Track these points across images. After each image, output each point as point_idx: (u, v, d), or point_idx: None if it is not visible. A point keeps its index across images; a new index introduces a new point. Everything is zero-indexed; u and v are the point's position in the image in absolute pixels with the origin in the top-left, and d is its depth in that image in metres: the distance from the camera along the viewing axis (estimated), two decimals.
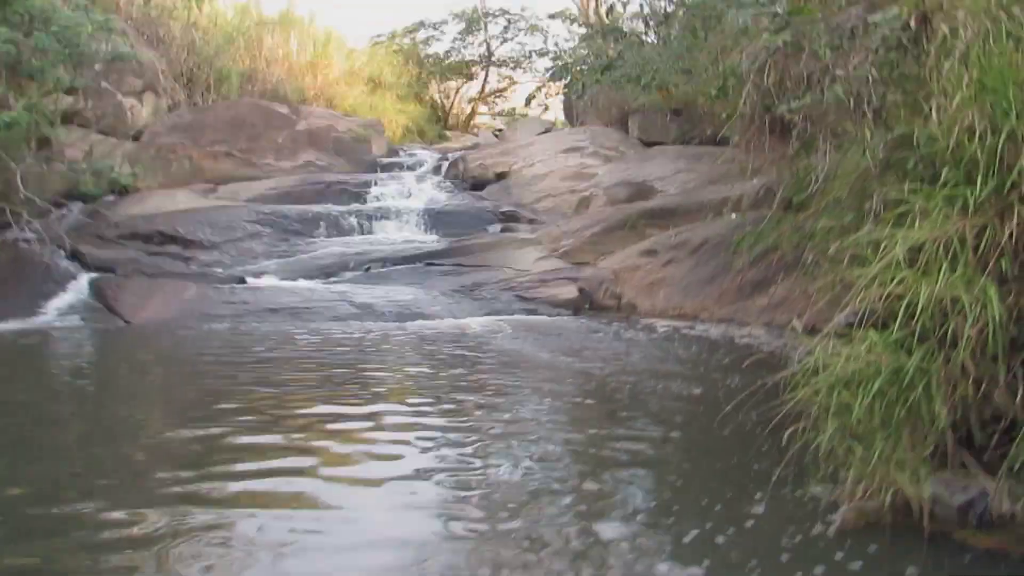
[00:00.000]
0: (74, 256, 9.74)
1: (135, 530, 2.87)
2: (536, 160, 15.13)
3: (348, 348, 6.99)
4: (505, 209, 13.35)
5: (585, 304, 9.43)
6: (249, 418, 4.42)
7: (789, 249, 7.78)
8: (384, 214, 13.03)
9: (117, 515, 3.02)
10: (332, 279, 10.41)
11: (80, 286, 9.05)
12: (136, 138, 15.23)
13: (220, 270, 10.50)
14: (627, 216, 11.38)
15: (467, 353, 6.59)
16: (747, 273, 8.75)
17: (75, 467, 3.76)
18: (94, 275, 9.31)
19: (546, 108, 25.73)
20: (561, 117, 22.85)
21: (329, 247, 11.57)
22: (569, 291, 9.56)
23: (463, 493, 3.33)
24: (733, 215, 10.24)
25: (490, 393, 5.20)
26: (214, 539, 2.80)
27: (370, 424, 4.39)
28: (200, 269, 10.44)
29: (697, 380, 5.49)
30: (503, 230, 12.43)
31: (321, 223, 12.54)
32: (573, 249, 10.96)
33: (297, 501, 3.29)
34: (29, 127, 10.16)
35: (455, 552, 2.77)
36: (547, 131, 18.98)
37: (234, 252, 11.42)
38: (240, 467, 3.62)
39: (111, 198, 13.29)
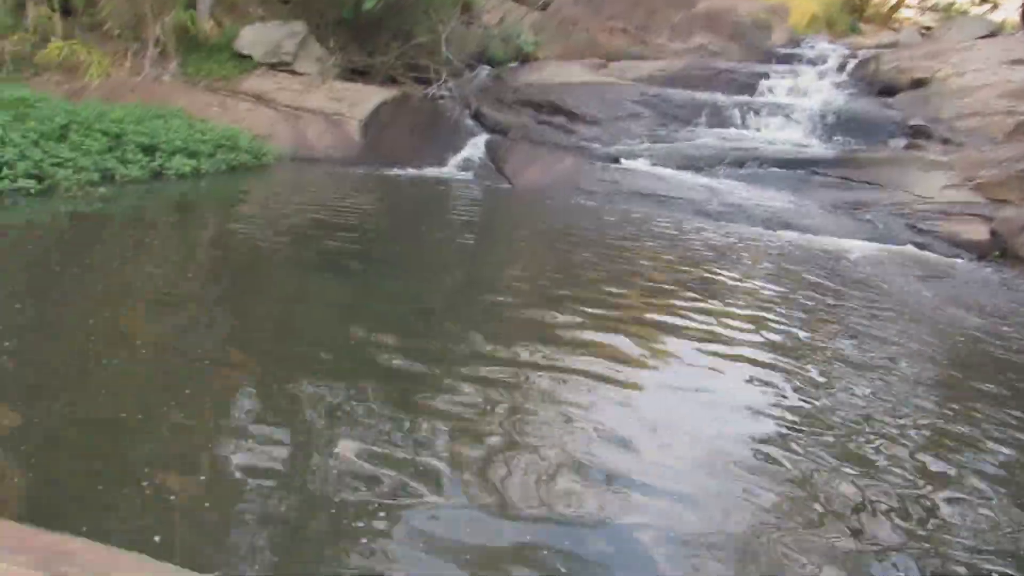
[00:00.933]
0: (476, 116, 10.69)
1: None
2: (969, 68, 12.72)
3: (707, 248, 6.74)
4: (915, 123, 11.54)
5: (996, 251, 7.91)
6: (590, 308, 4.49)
7: None
8: (771, 110, 12.12)
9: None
10: (704, 171, 10.10)
11: (478, 144, 9.94)
12: (544, 8, 15.94)
13: (598, 146, 10.77)
14: None
15: (834, 283, 5.92)
16: None
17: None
18: (489, 136, 10.13)
19: (995, 6, 21.33)
20: (1015, 17, 18.80)
21: (707, 138, 11.17)
22: (977, 231, 8.08)
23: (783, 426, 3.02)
24: None
25: (849, 338, 4.58)
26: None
27: (706, 336, 4.14)
28: (579, 143, 10.81)
29: None
30: (908, 146, 10.82)
31: (703, 112, 12.09)
32: (994, 182, 9.15)
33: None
34: None
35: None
36: (991, 34, 15.79)
37: (613, 130, 11.60)
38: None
39: (514, 64, 14.21)
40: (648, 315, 4.38)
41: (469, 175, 9.36)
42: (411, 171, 9.29)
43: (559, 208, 8.10)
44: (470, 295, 4.55)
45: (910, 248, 7.77)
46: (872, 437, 3.03)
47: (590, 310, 4.25)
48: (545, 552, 2.05)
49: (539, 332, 3.78)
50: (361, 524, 2.06)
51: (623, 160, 10.13)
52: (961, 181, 9.26)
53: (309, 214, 6.21)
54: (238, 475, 2.24)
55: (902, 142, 11.14)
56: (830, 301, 5.30)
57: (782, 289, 5.46)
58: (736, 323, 4.39)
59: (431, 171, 9.36)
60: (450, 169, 9.54)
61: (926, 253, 7.69)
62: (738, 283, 5.48)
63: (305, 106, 9.95)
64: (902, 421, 3.23)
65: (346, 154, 9.45)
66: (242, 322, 3.61)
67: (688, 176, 9.47)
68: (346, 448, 2.44)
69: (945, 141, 10.94)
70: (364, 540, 2.01)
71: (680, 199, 8.62)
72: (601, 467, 2.52)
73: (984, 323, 5.16)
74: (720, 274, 5.64)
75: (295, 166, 8.73)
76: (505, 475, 2.43)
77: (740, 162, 10.16)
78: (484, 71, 13.70)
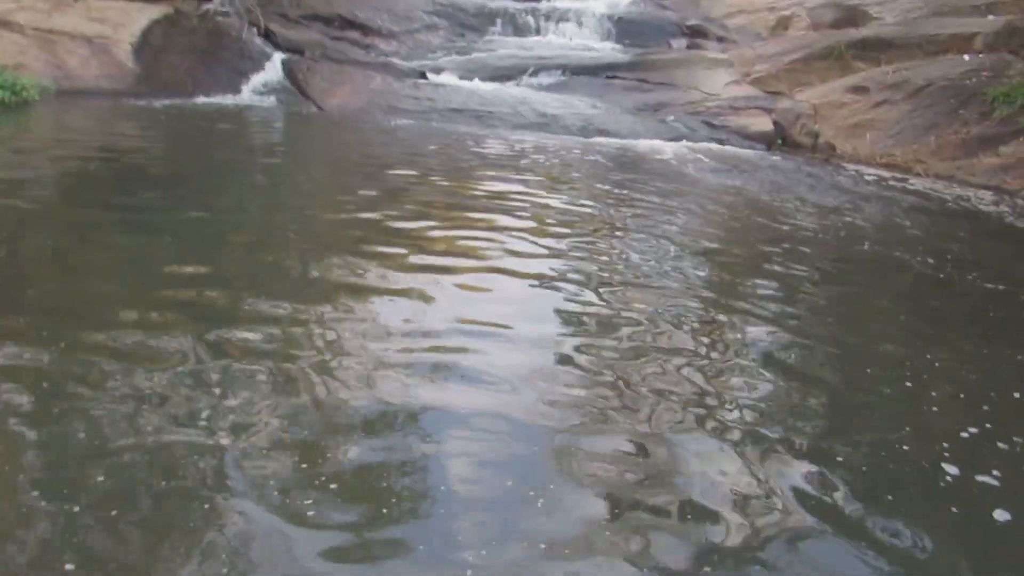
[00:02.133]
0: (266, 35, 9.79)
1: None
2: None
3: (536, 158, 6.82)
4: (692, 23, 12.30)
5: (778, 139, 8.79)
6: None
7: None
8: (562, 16, 12.31)
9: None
10: (510, 82, 10.12)
11: (274, 66, 9.16)
12: None
13: (400, 61, 10.37)
14: (834, 44, 10.24)
15: (664, 182, 6.28)
16: (975, 127, 7.84)
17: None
18: (285, 56, 9.36)
19: None
20: None
21: (507, 48, 11.15)
22: (762, 123, 8.91)
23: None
24: (966, 56, 9.07)
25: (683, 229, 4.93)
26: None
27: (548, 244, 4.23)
28: (380, 59, 10.33)
29: (925, 246, 5.03)
30: (689, 46, 11.55)
31: (498, 20, 12.02)
32: (767, 76, 10.07)
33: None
34: None
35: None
36: None
37: (411, 43, 11.21)
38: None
39: None
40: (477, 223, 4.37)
41: (271, 100, 8.63)
42: (202, 99, 8.38)
43: (378, 130, 7.76)
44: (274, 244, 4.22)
45: (713, 145, 8.40)
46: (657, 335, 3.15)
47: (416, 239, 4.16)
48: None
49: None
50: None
51: (430, 75, 9.85)
52: (741, 77, 10.07)
53: (93, 161, 5.38)
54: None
55: (683, 42, 11.84)
56: (656, 199, 5.62)
57: (631, 194, 5.69)
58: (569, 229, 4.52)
59: (224, 99, 8.50)
60: (247, 95, 8.73)
61: (724, 147, 8.36)
62: (575, 189, 5.62)
63: (59, 28, 8.52)
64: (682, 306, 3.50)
65: (120, 84, 8.30)
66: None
67: (500, 88, 9.45)
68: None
69: (720, 39, 11.79)
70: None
71: (496, 113, 8.59)
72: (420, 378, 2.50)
73: (760, 200, 5.76)
74: (557, 185, 5.76)
75: (61, 101, 7.53)
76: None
77: (544, 70, 10.28)
78: None
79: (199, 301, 2.94)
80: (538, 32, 11.97)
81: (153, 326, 2.67)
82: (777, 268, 4.06)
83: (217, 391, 2.27)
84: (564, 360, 2.72)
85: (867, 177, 7.29)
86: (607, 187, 5.89)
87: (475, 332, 2.85)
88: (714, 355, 2.90)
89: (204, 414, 2.16)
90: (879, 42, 10.16)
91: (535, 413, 2.33)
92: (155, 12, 9.32)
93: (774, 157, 8.23)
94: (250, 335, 2.66)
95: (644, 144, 8.15)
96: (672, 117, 9.08)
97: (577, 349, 2.82)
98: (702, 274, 3.93)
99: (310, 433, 2.12)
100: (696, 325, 3.18)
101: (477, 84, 9.47)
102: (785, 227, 5.08)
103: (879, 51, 10.06)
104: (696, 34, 11.96)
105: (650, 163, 7.28)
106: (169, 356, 2.45)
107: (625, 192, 5.70)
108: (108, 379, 2.28)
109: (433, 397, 2.37)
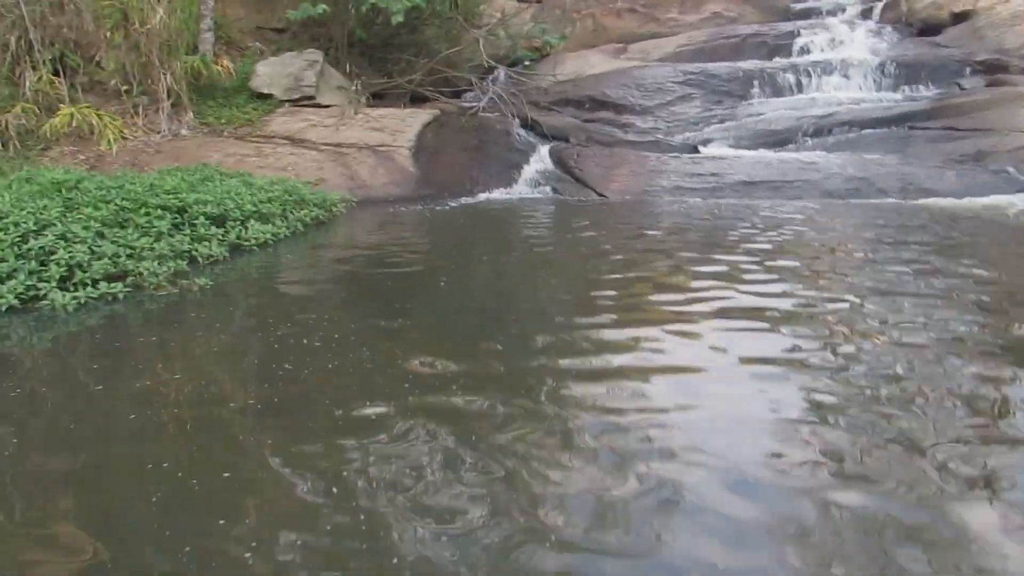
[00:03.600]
0: (528, 125, 9.71)
1: None
2: None
3: (861, 230, 5.85)
4: (982, 58, 10.81)
5: None
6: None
7: None
8: (826, 68, 11.30)
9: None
10: (788, 146, 9.25)
11: (543, 156, 8.97)
12: (539, 0, 15.01)
13: (662, 136, 9.87)
14: None
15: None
16: None
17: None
18: (551, 144, 9.16)
19: None
20: None
21: (774, 109, 10.32)
22: None
23: None
24: None
25: None
26: None
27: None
28: (648, 138, 9.89)
29: None
30: (989, 84, 10.06)
31: (754, 81, 11.25)
32: None
33: None
34: None
35: None
36: None
37: (668, 117, 10.72)
38: None
39: (527, 63, 13.22)
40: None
41: (546, 191, 8.37)
42: (480, 196, 8.29)
43: (672, 212, 7.15)
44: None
45: None
46: None
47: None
48: None
49: None
50: None
51: (701, 148, 9.24)
52: None
53: (371, 265, 5.17)
54: None
55: (979, 81, 10.37)
56: None
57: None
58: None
59: (500, 194, 8.35)
60: (521, 188, 8.55)
61: None
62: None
63: (346, 141, 8.90)
64: None
65: (405, 190, 8.41)
66: None
67: (790, 155, 8.60)
68: None
69: None
70: None
71: (794, 182, 7.73)
72: None
73: None
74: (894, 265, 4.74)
75: (361, 212, 7.65)
76: None
77: (825, 129, 9.32)
78: (501, 74, 12.76)
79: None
80: (800, 90, 11.04)
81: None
82: None
83: None
84: None
85: None
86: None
87: None
88: None
89: None
90: None
91: None
92: (425, 116, 9.54)
93: None
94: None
95: (980, 202, 6.89)
96: (1003, 166, 7.71)
97: None
98: None
99: None
100: None
101: (763, 153, 8.71)
102: None
103: None
104: (993, 69, 10.44)
105: (999, 223, 6.06)
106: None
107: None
108: None
109: None
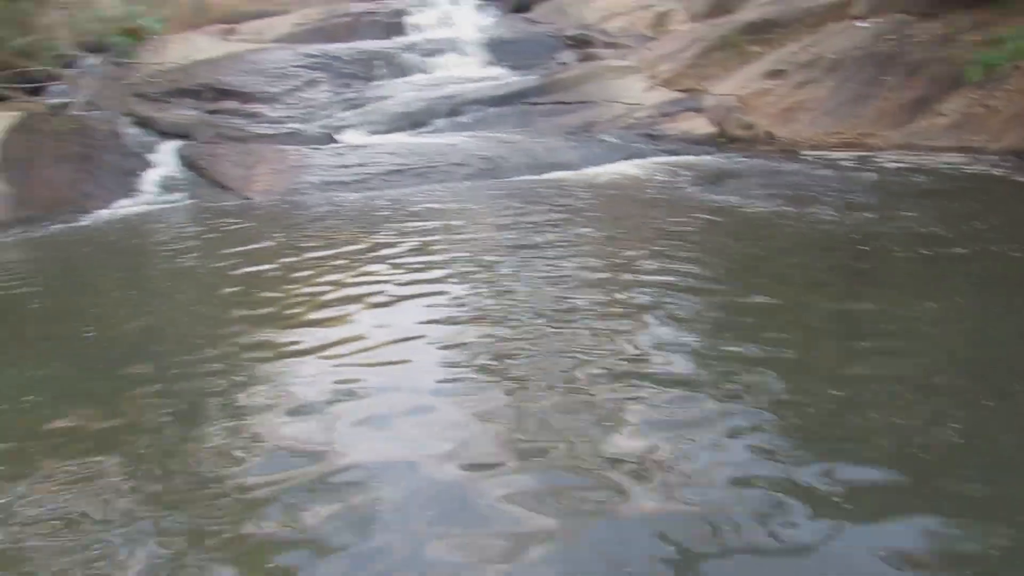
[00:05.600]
0: (144, 123, 8.54)
1: None
2: None
3: (526, 208, 6.23)
4: (572, 33, 12.13)
5: (721, 137, 8.71)
6: None
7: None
8: (443, 47, 11.76)
9: None
10: (423, 128, 9.45)
11: (167, 158, 7.97)
12: None
13: (297, 126, 9.40)
14: (727, 33, 10.38)
15: (680, 214, 5.91)
16: (905, 91, 8.11)
17: None
18: (178, 143, 8.18)
19: None
20: None
21: (401, 91, 10.44)
22: (701, 124, 8.80)
23: None
24: (859, 23, 9.41)
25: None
26: None
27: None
28: (274, 129, 9.31)
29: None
30: (581, 59, 11.32)
31: (375, 63, 11.28)
32: (675, 75, 10.02)
33: None
34: None
35: None
36: None
37: (297, 104, 10.24)
38: None
39: (122, 49, 11.65)
40: None
41: (181, 198, 7.46)
42: (101, 215, 7.11)
43: (332, 212, 6.78)
44: None
45: (664, 157, 8.16)
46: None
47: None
48: None
49: None
50: None
51: (337, 137, 9.00)
52: (654, 81, 9.96)
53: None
54: None
55: (572, 55, 11.62)
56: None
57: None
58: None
59: (124, 208, 7.26)
60: (147, 197, 7.51)
61: (680, 157, 8.15)
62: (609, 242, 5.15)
63: None
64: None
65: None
66: None
67: (431, 140, 8.73)
68: None
69: (609, 45, 11.68)
70: None
71: (438, 166, 7.89)
72: None
73: (787, 214, 5.58)
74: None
75: None
76: None
77: (454, 109, 9.69)
78: (89, 63, 11.11)
79: None
80: (423, 70, 11.33)
81: None
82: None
83: None
84: None
85: (841, 163, 7.29)
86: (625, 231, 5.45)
87: None
88: None
89: None
90: (765, 24, 10.40)
91: None
92: (7, 120, 7.85)
93: (736, 157, 8.07)
94: None
95: (605, 171, 7.76)
96: (612, 137, 8.76)
97: None
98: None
99: None
100: None
101: (404, 139, 8.74)
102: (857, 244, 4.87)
103: (767, 32, 10.32)
104: (581, 44, 11.79)
105: (633, 188, 6.93)
106: None
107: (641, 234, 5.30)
108: None
109: None
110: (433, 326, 3.73)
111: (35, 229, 6.66)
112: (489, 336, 3.57)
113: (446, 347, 3.48)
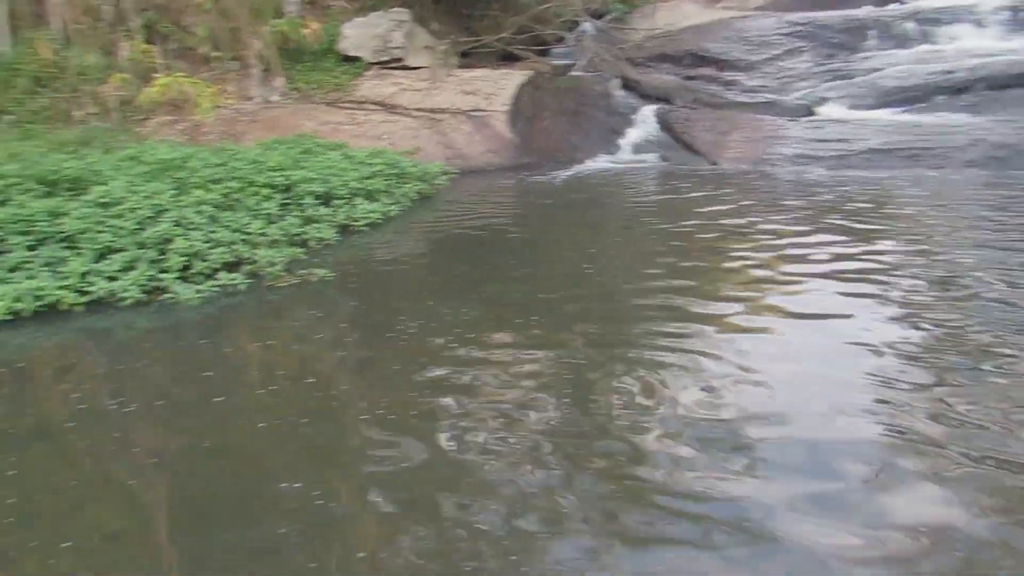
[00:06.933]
0: (627, 86, 9.14)
1: None
2: None
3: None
4: None
5: None
6: None
7: None
8: (952, 16, 10.33)
9: None
10: (917, 106, 8.46)
11: (647, 119, 8.42)
12: None
13: (772, 96, 9.17)
14: None
15: None
16: None
17: None
18: (656, 106, 8.59)
19: None
20: None
21: (897, 64, 9.47)
22: None
23: None
24: None
25: None
26: None
27: None
28: (749, 97, 9.20)
29: None
30: None
31: (869, 32, 10.36)
32: None
33: None
34: None
35: None
36: None
37: (775, 73, 9.96)
38: None
39: (614, 14, 12.53)
40: None
41: (653, 158, 7.86)
42: (582, 165, 7.83)
43: (803, 188, 6.53)
44: None
45: None
46: None
47: None
48: None
49: None
50: None
51: (816, 109, 8.54)
52: None
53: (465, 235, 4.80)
54: None
55: None
56: None
57: None
58: None
59: (605, 162, 7.88)
60: (626, 155, 8.05)
61: None
62: None
63: (439, 106, 8.52)
64: None
65: (503, 158, 8.00)
66: None
67: (923, 117, 7.84)
68: None
69: None
70: None
71: (934, 149, 7.03)
72: None
73: None
74: None
75: (463, 184, 7.26)
76: None
77: (961, 87, 8.47)
78: (589, 28, 12.13)
79: None
80: (925, 40, 10.11)
81: None
82: None
83: None
84: None
85: None
86: None
87: None
88: None
89: None
90: None
91: None
92: (519, 77, 9.06)
93: None
94: None
95: None
96: None
97: None
98: None
99: None
100: None
101: (896, 116, 7.97)
102: None
103: None
104: None
105: None
106: None
107: None
108: None
109: None
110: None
111: (536, 173, 7.60)
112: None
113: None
